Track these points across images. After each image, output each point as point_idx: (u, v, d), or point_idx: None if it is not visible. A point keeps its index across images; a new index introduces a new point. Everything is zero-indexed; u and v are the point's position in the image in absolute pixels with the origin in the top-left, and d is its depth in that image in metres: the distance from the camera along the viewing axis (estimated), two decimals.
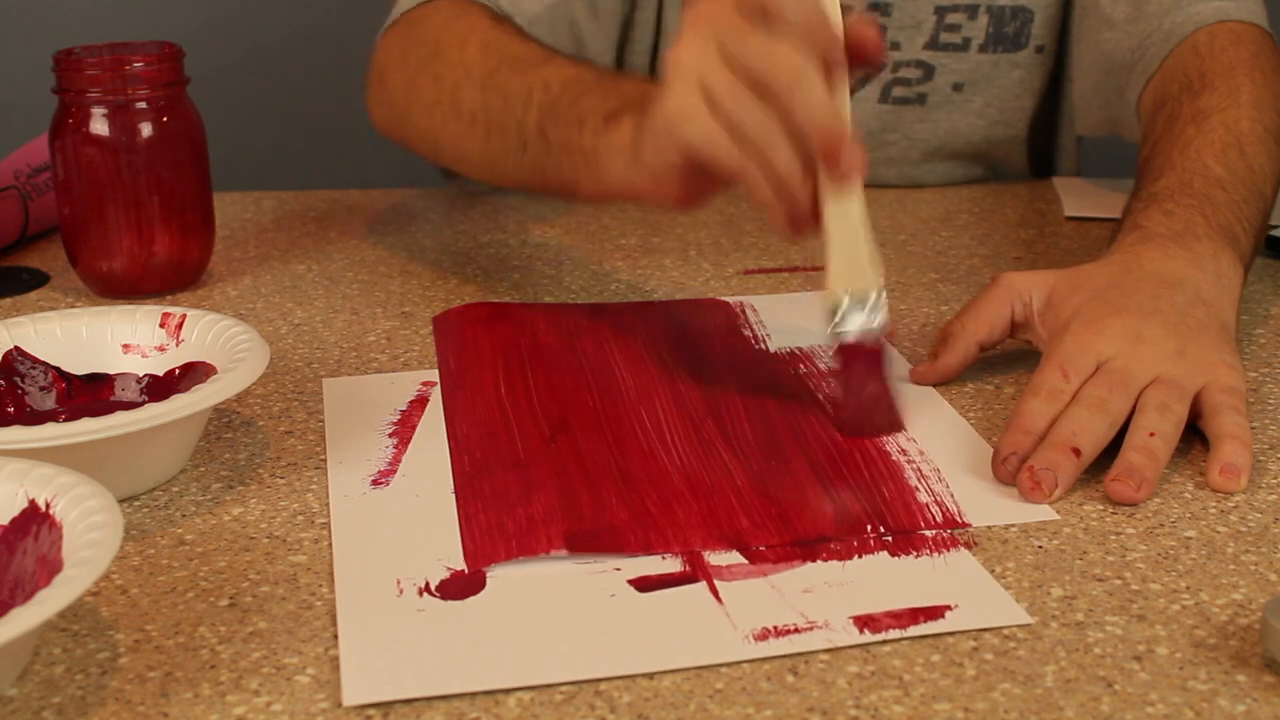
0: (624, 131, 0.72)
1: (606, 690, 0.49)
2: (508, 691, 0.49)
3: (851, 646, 0.52)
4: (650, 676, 0.50)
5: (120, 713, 0.49)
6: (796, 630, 0.52)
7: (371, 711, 0.48)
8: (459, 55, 0.88)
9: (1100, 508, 0.62)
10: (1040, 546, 0.58)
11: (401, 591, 0.56)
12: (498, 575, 0.57)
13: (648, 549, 0.58)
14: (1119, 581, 0.56)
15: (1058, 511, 0.61)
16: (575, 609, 0.54)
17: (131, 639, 0.53)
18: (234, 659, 0.52)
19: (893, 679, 0.50)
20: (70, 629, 0.54)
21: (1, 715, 0.49)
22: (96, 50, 0.90)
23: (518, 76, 0.83)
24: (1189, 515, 0.61)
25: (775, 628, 0.53)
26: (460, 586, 0.56)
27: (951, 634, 0.52)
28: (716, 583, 0.56)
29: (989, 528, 0.60)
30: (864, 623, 0.53)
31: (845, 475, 0.64)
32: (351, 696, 0.49)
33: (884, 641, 0.52)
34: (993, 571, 0.56)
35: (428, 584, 0.56)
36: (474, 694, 0.49)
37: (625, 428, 0.69)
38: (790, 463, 0.65)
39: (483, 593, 0.56)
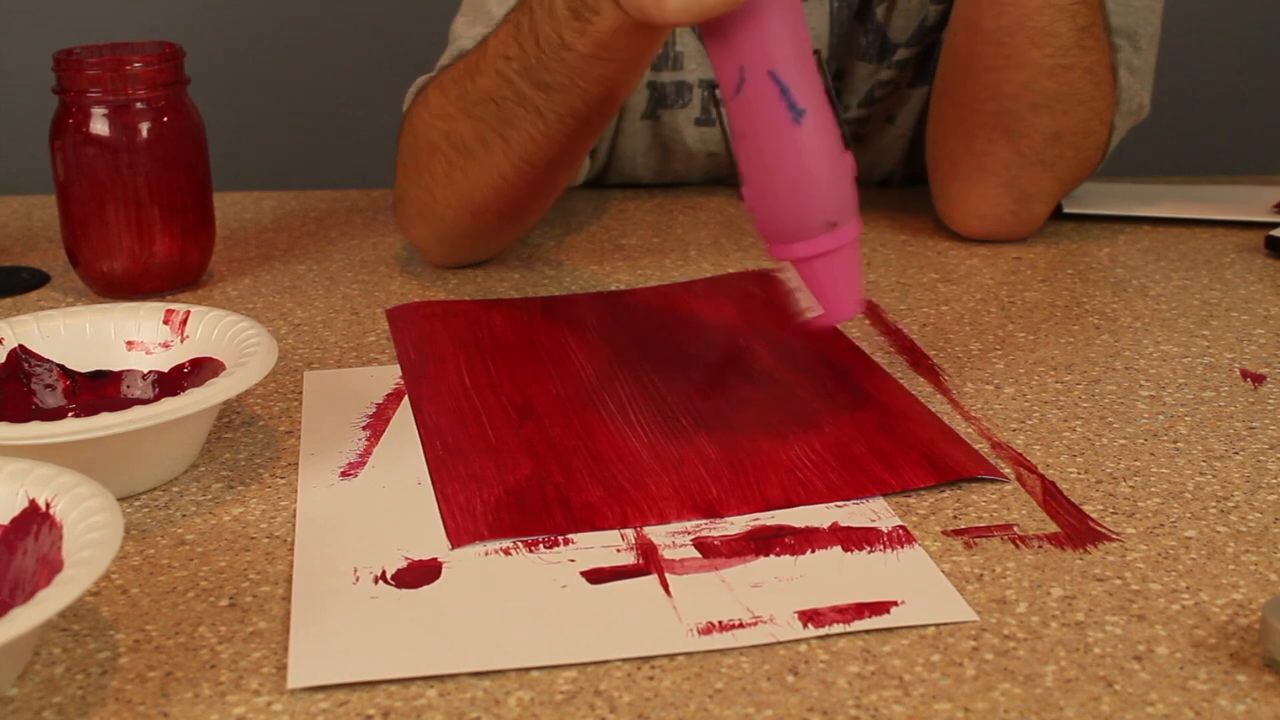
0: None
1: (606, 690, 0.49)
2: (508, 692, 0.49)
3: (794, 640, 0.52)
4: (650, 677, 0.50)
5: (120, 713, 0.49)
6: (740, 625, 0.53)
7: (371, 711, 0.48)
8: (428, 115, 0.87)
9: (1100, 508, 0.62)
10: (1040, 546, 0.58)
11: (358, 579, 0.56)
12: (453, 565, 0.57)
13: (624, 523, 0.60)
14: (1119, 581, 0.56)
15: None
16: (526, 599, 0.55)
17: (131, 639, 0.53)
18: (234, 659, 0.52)
19: (893, 679, 0.50)
20: (70, 629, 0.54)
21: (1, 715, 0.49)
22: (96, 50, 0.90)
23: (481, 78, 0.82)
24: (1189, 515, 0.61)
25: (720, 622, 0.53)
26: (415, 575, 0.57)
27: (952, 634, 0.52)
28: (668, 576, 0.56)
29: (989, 528, 0.60)
30: (808, 617, 0.53)
31: (807, 436, 0.67)
32: (297, 679, 0.50)
33: (883, 639, 0.52)
34: (993, 571, 0.56)
35: (384, 572, 0.57)
36: (475, 694, 0.49)
37: (590, 411, 0.71)
38: (754, 429, 0.68)
39: (437, 582, 0.56)
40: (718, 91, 0.65)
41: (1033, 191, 0.96)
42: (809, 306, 0.66)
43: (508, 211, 0.89)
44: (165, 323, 0.71)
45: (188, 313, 0.71)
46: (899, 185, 1.15)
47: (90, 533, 0.50)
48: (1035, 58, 0.91)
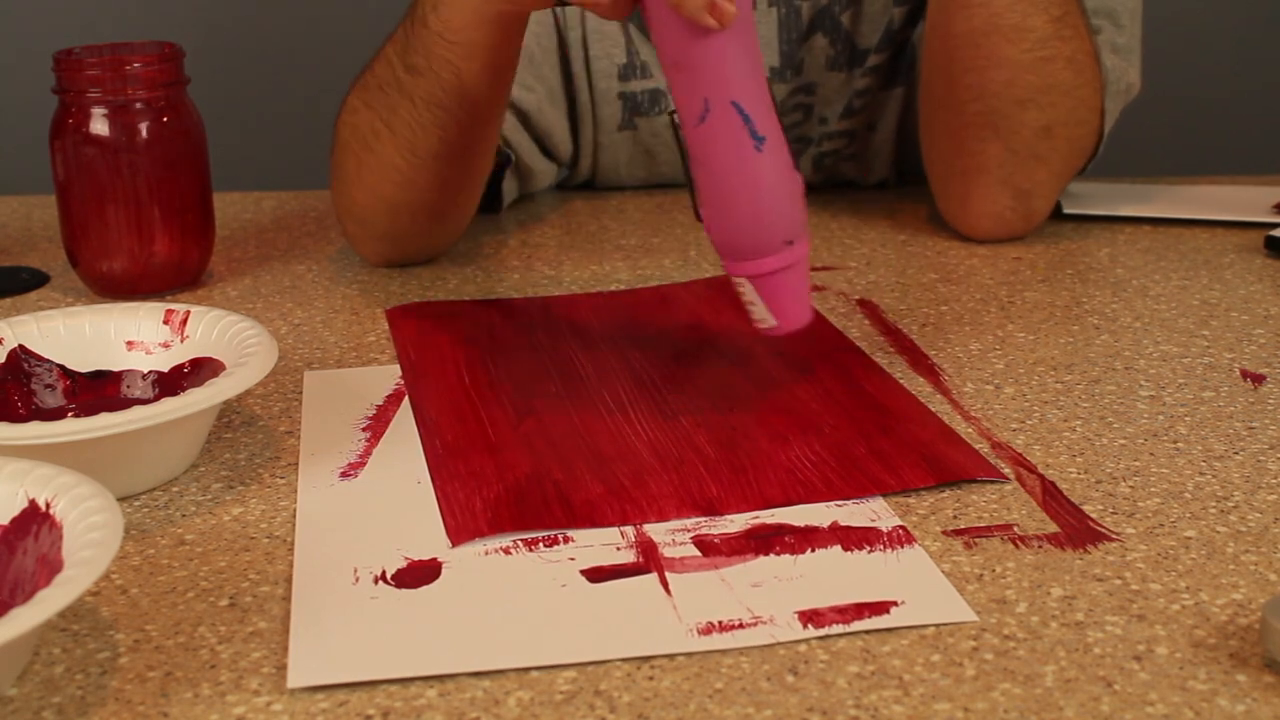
0: None
1: (606, 690, 0.49)
2: (508, 692, 0.49)
3: (794, 641, 0.52)
4: (650, 677, 0.50)
5: (120, 713, 0.49)
6: (741, 625, 0.53)
7: (371, 711, 0.48)
8: (344, 114, 0.90)
9: (1100, 507, 0.62)
10: (1040, 546, 0.58)
11: (358, 580, 0.56)
12: (453, 565, 0.57)
13: (624, 520, 0.60)
14: (1119, 581, 0.56)
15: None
16: (526, 598, 0.55)
17: (131, 639, 0.53)
18: (234, 659, 0.52)
19: (893, 679, 0.50)
20: (70, 629, 0.54)
21: (1, 715, 0.49)
22: (96, 50, 0.90)
23: (377, 65, 0.87)
24: (1189, 515, 0.61)
25: (720, 622, 0.53)
26: (415, 575, 0.57)
27: (952, 634, 0.52)
28: (668, 574, 0.56)
29: (989, 528, 0.60)
30: (809, 618, 0.53)
31: (807, 437, 0.67)
32: (296, 679, 0.50)
33: (883, 639, 0.52)
34: (993, 571, 0.56)
35: (384, 572, 0.57)
36: (475, 694, 0.49)
37: (590, 410, 0.71)
38: (754, 430, 0.68)
39: (436, 582, 0.56)
40: (675, 117, 0.68)
41: (1029, 187, 0.96)
42: (763, 319, 0.70)
43: (419, 210, 0.90)
44: (165, 323, 0.71)
45: (188, 313, 0.71)
46: (895, 186, 1.15)
47: (90, 533, 0.50)
48: (1013, 55, 0.91)
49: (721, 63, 0.65)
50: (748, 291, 0.69)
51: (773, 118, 0.67)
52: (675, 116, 0.68)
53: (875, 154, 1.12)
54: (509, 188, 1.06)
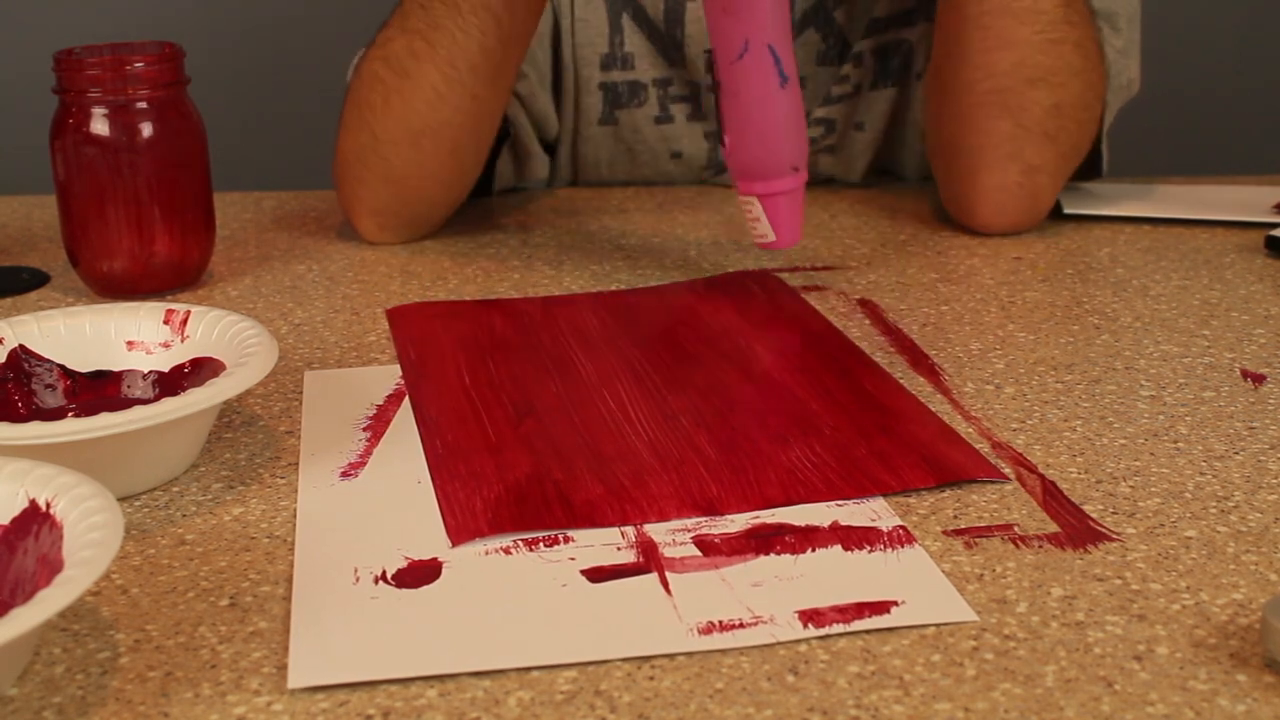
0: None
1: (606, 690, 0.49)
2: (508, 692, 0.49)
3: (794, 641, 0.52)
4: (651, 677, 0.50)
5: (120, 713, 0.49)
6: (741, 625, 0.53)
7: (371, 711, 0.48)
8: (372, 51, 0.96)
9: (1100, 507, 0.62)
10: (1040, 546, 0.58)
11: (358, 579, 0.56)
12: (453, 565, 0.57)
13: (624, 520, 0.60)
14: (1119, 581, 0.56)
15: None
16: (527, 598, 0.55)
17: (132, 639, 0.53)
18: (234, 659, 0.52)
19: (893, 679, 0.50)
20: (70, 629, 0.54)
21: (1, 715, 0.49)
22: (96, 50, 0.90)
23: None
24: (1189, 515, 0.61)
25: (720, 622, 0.53)
26: (415, 575, 0.57)
27: (952, 634, 0.52)
28: (668, 574, 0.56)
29: (989, 528, 0.60)
30: (809, 617, 0.53)
31: (807, 438, 0.67)
32: (297, 679, 0.50)
33: (883, 639, 0.52)
34: (993, 571, 0.56)
35: (384, 572, 0.57)
36: (475, 694, 0.49)
37: (590, 410, 0.71)
38: (754, 430, 0.68)
39: (437, 582, 0.56)
40: (710, 55, 0.80)
41: (1038, 164, 0.96)
42: (764, 234, 0.86)
43: (442, 137, 0.93)
44: (165, 323, 0.71)
45: (188, 313, 0.71)
46: (868, 181, 1.15)
47: (90, 533, 0.50)
48: (1024, 35, 0.92)
49: (764, 9, 0.80)
50: (755, 209, 0.85)
51: (794, 63, 0.82)
52: (710, 55, 0.79)
53: (860, 153, 1.12)
54: (503, 169, 1.07)
